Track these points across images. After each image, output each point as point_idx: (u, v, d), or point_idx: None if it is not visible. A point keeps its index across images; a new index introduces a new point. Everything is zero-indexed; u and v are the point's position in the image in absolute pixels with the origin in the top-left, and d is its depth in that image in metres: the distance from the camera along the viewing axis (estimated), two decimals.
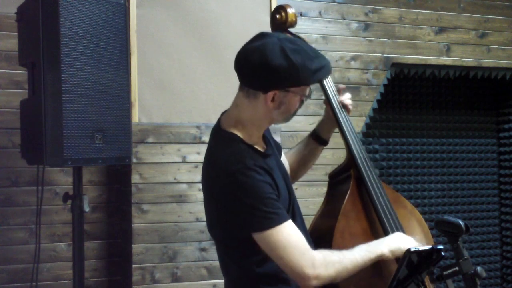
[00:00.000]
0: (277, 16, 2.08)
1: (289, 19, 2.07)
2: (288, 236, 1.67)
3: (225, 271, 1.87)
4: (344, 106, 2.11)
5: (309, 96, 1.80)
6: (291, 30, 2.13)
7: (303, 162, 2.14)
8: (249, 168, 1.66)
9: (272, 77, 1.68)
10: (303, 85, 1.73)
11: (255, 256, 1.72)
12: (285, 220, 1.68)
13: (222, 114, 1.88)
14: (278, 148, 2.01)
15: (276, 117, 1.79)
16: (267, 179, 1.69)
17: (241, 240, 1.71)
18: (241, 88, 1.78)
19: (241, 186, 1.65)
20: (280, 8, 2.09)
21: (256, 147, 1.79)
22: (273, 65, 1.66)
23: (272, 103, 1.73)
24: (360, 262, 1.73)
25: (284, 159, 2.07)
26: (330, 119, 2.12)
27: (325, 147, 2.18)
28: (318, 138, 2.13)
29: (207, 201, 1.81)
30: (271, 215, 1.65)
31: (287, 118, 1.83)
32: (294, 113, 1.83)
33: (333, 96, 2.10)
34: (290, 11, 2.06)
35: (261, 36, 1.76)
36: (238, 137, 1.76)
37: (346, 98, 2.13)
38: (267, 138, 1.91)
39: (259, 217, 1.64)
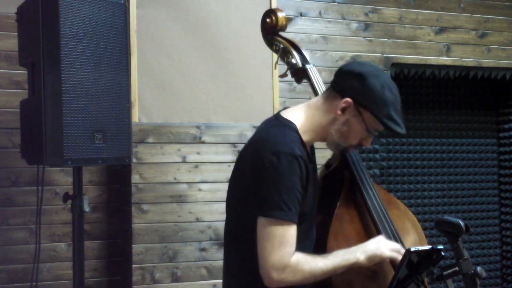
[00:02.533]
0: (268, 20, 2.08)
1: (280, 23, 2.07)
2: (284, 234, 1.68)
3: (227, 266, 1.88)
4: None
5: (372, 136, 1.83)
6: (282, 33, 2.13)
7: None
8: (294, 155, 1.68)
9: (358, 87, 1.73)
10: (377, 115, 1.74)
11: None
12: (292, 220, 1.69)
13: (285, 108, 1.91)
14: None
15: (334, 133, 1.80)
16: (303, 174, 1.70)
17: (251, 229, 1.71)
18: (325, 90, 1.85)
19: (279, 168, 1.66)
20: (271, 12, 2.08)
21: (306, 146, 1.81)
22: (367, 81, 1.72)
23: (340, 114, 1.76)
24: (331, 271, 1.75)
25: None
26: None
27: (324, 148, 2.19)
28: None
29: (237, 177, 1.82)
30: (285, 207, 1.66)
31: (338, 144, 1.83)
32: (347, 146, 1.85)
33: None
34: (280, 15, 2.05)
35: (374, 66, 1.86)
36: (295, 126, 1.78)
37: None
38: (312, 151, 1.93)
39: (275, 202, 1.66)
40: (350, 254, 1.78)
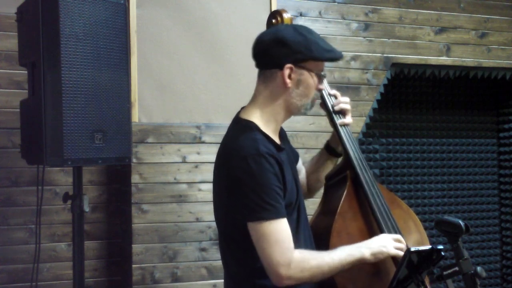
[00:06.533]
0: (273, 20, 2.10)
1: (285, 24, 2.08)
2: (278, 232, 1.69)
3: (225, 266, 1.89)
4: (343, 113, 2.09)
5: (324, 75, 1.87)
6: None
7: (317, 172, 2.16)
8: (261, 154, 1.69)
9: (286, 50, 1.76)
10: (316, 58, 1.78)
11: (255, 250, 1.73)
12: (280, 215, 1.70)
13: (242, 108, 1.92)
14: (294, 155, 2.03)
15: (295, 100, 1.82)
16: (275, 169, 1.71)
17: (242, 232, 1.73)
18: (258, 76, 1.85)
19: (249, 171, 1.68)
20: (276, 13, 2.10)
21: (272, 138, 1.81)
22: (286, 39, 1.76)
23: (290, 81, 1.78)
24: (339, 266, 1.75)
25: (301, 167, 2.12)
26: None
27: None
28: (329, 149, 2.16)
29: (217, 186, 1.84)
30: (269, 206, 1.68)
31: (305, 105, 1.85)
32: (313, 103, 1.87)
33: (327, 97, 2.10)
34: (286, 16, 2.07)
35: (272, 27, 1.91)
36: (255, 125, 1.80)
37: (344, 101, 2.11)
38: (282, 136, 1.94)
39: (257, 205, 1.67)
40: (356, 250, 1.79)
